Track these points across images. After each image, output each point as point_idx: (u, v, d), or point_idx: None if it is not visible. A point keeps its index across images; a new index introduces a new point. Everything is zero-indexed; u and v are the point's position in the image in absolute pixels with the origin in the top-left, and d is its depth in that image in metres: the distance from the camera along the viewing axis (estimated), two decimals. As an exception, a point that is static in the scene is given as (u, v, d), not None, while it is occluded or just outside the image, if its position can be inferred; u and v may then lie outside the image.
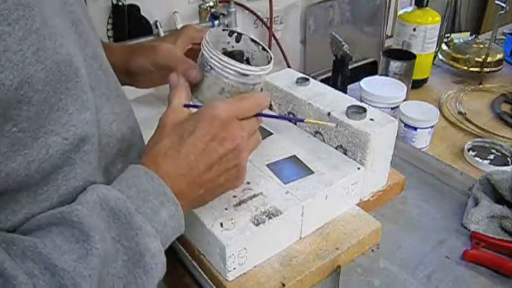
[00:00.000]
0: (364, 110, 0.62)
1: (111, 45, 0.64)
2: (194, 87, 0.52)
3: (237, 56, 0.53)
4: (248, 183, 0.58)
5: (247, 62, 0.53)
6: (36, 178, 0.37)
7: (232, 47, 0.53)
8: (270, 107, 0.52)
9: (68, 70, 0.37)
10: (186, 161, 0.43)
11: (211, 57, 0.49)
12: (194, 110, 0.47)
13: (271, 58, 0.51)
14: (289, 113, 0.72)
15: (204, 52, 0.50)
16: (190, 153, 0.43)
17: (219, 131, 0.44)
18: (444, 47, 1.23)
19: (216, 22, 1.32)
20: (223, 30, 0.53)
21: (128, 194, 0.40)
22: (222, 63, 0.48)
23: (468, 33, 1.36)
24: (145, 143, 0.49)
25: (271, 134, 0.69)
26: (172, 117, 0.47)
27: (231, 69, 0.48)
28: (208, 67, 0.49)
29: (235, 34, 0.53)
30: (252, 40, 0.52)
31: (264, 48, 0.52)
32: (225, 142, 0.44)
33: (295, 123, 0.71)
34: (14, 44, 0.32)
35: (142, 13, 1.19)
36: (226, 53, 0.53)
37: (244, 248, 0.51)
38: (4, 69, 0.31)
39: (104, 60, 0.46)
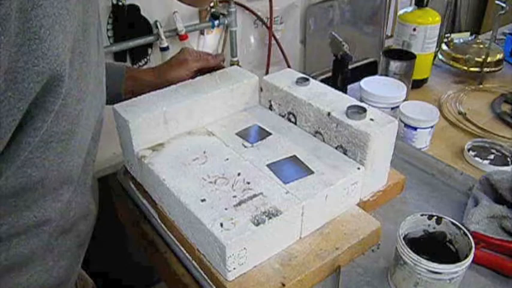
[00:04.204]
0: (364, 110, 0.62)
1: (140, 69, 0.79)
2: (392, 275, 0.56)
3: (438, 237, 0.55)
4: (248, 183, 0.58)
5: (450, 243, 0.55)
6: None
7: (434, 228, 0.55)
8: None
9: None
10: None
11: (403, 254, 0.51)
12: None
13: (471, 247, 0.51)
14: (289, 113, 0.72)
15: (397, 247, 0.53)
16: None
17: None
18: (444, 47, 1.23)
19: (216, 22, 1.32)
20: (421, 215, 0.55)
21: None
22: (414, 261, 0.50)
23: (468, 33, 1.36)
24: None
25: (271, 134, 0.69)
26: None
27: (422, 267, 0.50)
28: (402, 261, 0.52)
29: (435, 217, 0.55)
30: (453, 223, 0.54)
31: (465, 233, 0.53)
32: None
33: (294, 123, 0.71)
34: None
35: (142, 13, 1.18)
36: (427, 233, 0.55)
37: (244, 248, 0.51)
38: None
39: (94, 158, 0.52)
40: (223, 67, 0.79)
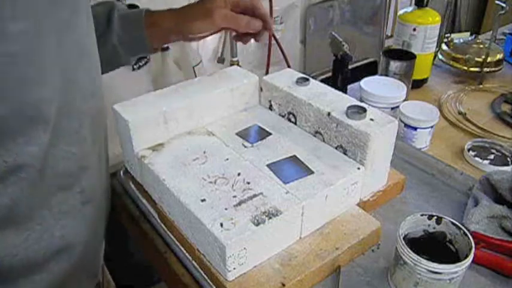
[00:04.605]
0: (364, 110, 0.62)
1: (160, 13, 0.67)
2: (392, 275, 0.56)
3: (438, 237, 0.55)
4: (248, 183, 0.58)
5: (450, 243, 0.55)
6: None
7: (434, 228, 0.55)
8: None
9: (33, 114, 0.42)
10: None
11: (403, 254, 0.51)
12: None
13: (471, 247, 0.51)
14: (289, 113, 0.72)
15: (397, 247, 0.53)
16: None
17: None
18: (444, 47, 1.23)
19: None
20: (421, 215, 0.55)
21: None
22: (414, 261, 0.50)
23: (468, 33, 1.36)
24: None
25: (271, 134, 0.69)
26: None
27: (422, 267, 0.50)
28: (402, 261, 0.52)
29: (435, 217, 0.55)
30: (453, 223, 0.54)
31: (465, 233, 0.53)
32: None
33: (294, 123, 0.71)
34: None
35: (142, 13, 1.19)
36: (427, 233, 0.55)
37: (244, 248, 0.51)
38: None
39: (79, 105, 0.49)
40: (268, 29, 0.65)
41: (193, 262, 0.59)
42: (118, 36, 0.65)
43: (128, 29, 0.65)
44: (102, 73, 0.63)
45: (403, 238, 0.52)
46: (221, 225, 0.51)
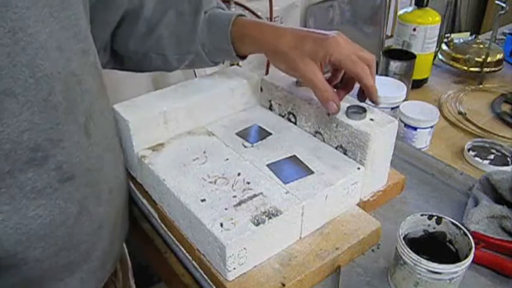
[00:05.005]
0: (364, 110, 0.62)
1: (256, 24, 0.66)
2: (392, 275, 0.56)
3: (438, 237, 0.55)
4: (248, 183, 0.58)
5: (450, 243, 0.54)
6: None
7: (434, 228, 0.55)
8: None
9: None
10: None
11: (403, 254, 0.51)
12: None
13: (471, 247, 0.50)
14: (289, 113, 0.72)
15: (397, 247, 0.53)
16: None
17: None
18: (444, 47, 1.23)
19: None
20: (421, 215, 0.55)
21: None
22: (414, 261, 0.50)
23: (468, 33, 1.36)
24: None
25: (271, 134, 0.69)
26: None
27: (422, 267, 0.50)
28: (402, 261, 0.52)
29: (435, 217, 0.55)
30: (453, 223, 0.54)
31: (465, 233, 0.52)
32: None
33: (294, 123, 0.71)
34: None
35: (142, 13, 1.18)
36: (427, 233, 0.55)
37: (244, 248, 0.51)
38: None
39: (44, 69, 0.43)
40: (373, 102, 0.62)
41: (193, 262, 0.59)
42: (202, 45, 0.65)
43: (213, 39, 0.64)
44: (180, 68, 0.66)
45: (403, 238, 0.52)
46: (221, 225, 0.51)
